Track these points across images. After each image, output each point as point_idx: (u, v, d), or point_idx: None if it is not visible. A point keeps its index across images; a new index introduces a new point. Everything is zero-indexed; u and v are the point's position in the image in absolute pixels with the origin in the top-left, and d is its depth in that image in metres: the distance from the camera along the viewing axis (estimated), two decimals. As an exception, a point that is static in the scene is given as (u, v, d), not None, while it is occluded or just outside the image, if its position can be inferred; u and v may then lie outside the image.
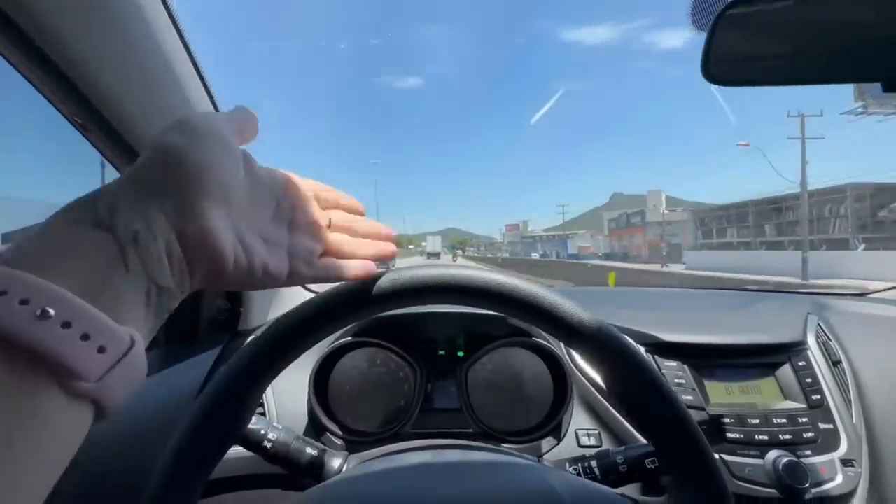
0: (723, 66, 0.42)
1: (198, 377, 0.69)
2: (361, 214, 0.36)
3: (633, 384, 0.36)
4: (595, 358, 0.37)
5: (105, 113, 0.46)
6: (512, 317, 0.38)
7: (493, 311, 0.38)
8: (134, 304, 0.21)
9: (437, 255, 63.50)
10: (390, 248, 0.37)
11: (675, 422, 0.35)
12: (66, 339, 0.17)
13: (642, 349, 0.69)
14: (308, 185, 0.33)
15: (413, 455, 0.46)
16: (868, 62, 0.40)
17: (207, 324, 0.76)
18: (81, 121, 0.46)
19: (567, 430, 0.68)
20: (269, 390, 0.69)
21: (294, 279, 0.30)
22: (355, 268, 0.33)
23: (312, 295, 0.36)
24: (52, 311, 0.17)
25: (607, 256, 51.87)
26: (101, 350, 0.18)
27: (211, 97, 0.60)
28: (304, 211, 0.32)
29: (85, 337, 0.18)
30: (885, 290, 1.13)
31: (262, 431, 0.51)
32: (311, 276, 0.32)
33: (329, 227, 0.34)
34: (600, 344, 0.36)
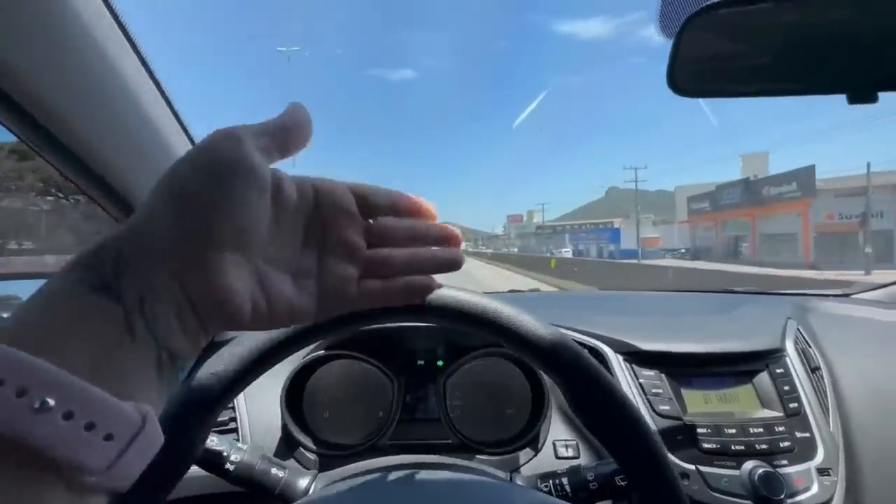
0: (689, 77, 0.41)
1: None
2: (428, 217, 0.28)
3: (593, 402, 0.35)
4: (555, 375, 0.36)
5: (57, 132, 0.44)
6: (475, 333, 0.38)
7: (455, 328, 0.38)
8: (143, 374, 0.20)
9: None
10: (455, 255, 0.28)
11: (637, 442, 0.34)
12: (68, 431, 0.16)
13: (621, 358, 0.68)
14: (349, 191, 0.26)
15: (380, 478, 0.46)
16: (833, 74, 0.39)
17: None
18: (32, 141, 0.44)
19: (545, 441, 0.68)
20: (241, 405, 0.68)
21: (326, 313, 0.26)
22: (404, 290, 0.27)
23: None
24: (51, 402, 0.15)
25: (692, 254, 34.58)
26: (109, 438, 0.17)
27: (182, 124, 0.60)
28: (337, 228, 0.26)
29: (90, 426, 0.16)
30: (867, 290, 1.13)
31: (225, 453, 0.50)
32: (349, 308, 0.26)
33: (371, 240, 0.27)
34: (559, 361, 0.35)
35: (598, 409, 0.36)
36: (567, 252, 46.53)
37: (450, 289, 0.37)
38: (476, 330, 0.37)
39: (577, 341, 0.37)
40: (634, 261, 27.30)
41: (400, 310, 0.35)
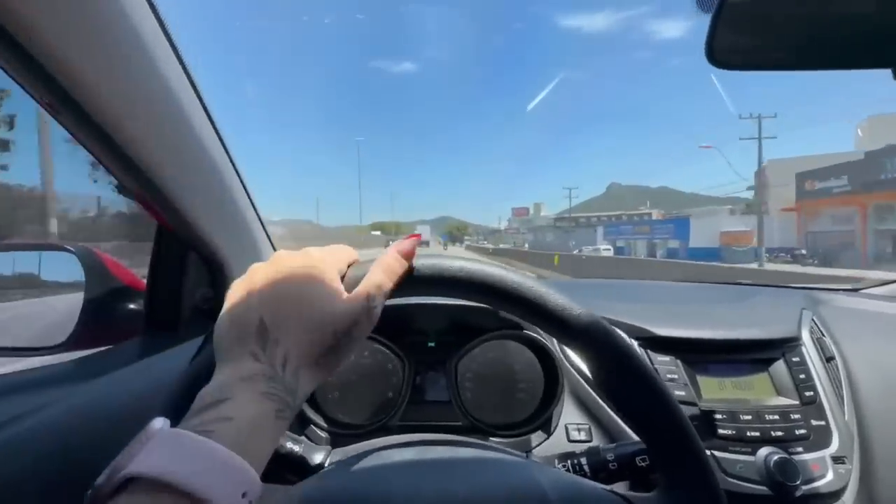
0: (727, 50, 0.40)
1: (180, 366, 0.67)
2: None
3: (624, 380, 0.35)
4: (585, 352, 0.35)
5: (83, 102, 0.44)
6: (499, 309, 0.37)
7: (479, 302, 0.37)
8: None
9: (426, 244, 66.04)
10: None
11: (668, 420, 0.34)
12: None
13: (636, 343, 0.68)
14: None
15: (397, 451, 0.45)
16: (878, 48, 0.38)
17: (190, 312, 0.74)
18: (49, 101, 0.43)
19: (557, 425, 0.67)
20: None
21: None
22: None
23: None
24: (252, 499, 0.24)
25: (821, 257, 21.61)
26: (247, 499, 0.24)
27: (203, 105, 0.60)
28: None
29: (246, 497, 0.23)
30: (877, 285, 1.12)
31: None
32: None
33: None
34: (591, 338, 0.34)
35: (628, 388, 0.35)
36: (607, 250, 35.40)
37: (475, 263, 0.36)
38: (503, 306, 0.36)
39: None
40: (714, 263, 17.10)
41: (425, 281, 0.35)
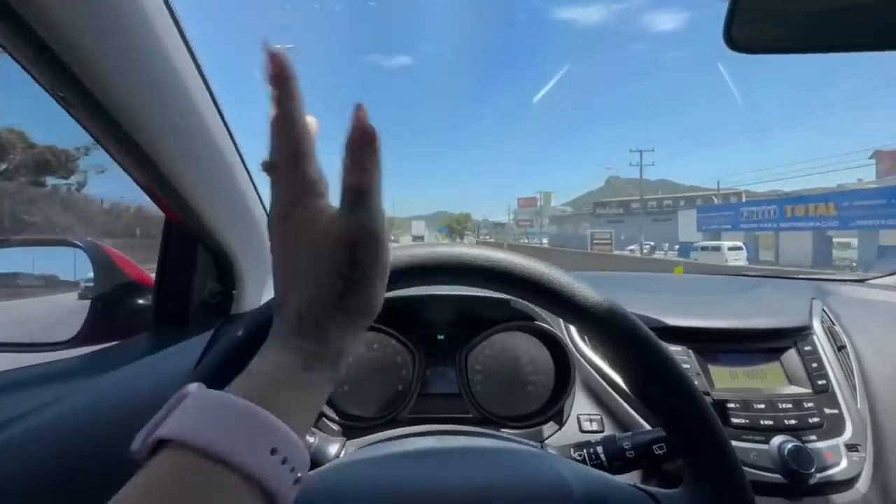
0: (747, 32, 0.39)
1: (189, 361, 0.67)
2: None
3: (648, 372, 0.34)
4: (606, 341, 0.35)
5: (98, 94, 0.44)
6: (518, 297, 0.37)
7: (501, 292, 0.37)
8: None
9: (421, 238, 66.68)
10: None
11: (692, 412, 0.34)
12: (285, 475, 0.22)
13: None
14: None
15: (414, 440, 0.45)
16: (899, 29, 0.38)
17: (199, 307, 0.74)
18: (63, 95, 0.43)
19: (569, 416, 0.67)
20: None
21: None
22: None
23: None
24: (288, 458, 0.22)
25: None
26: (296, 479, 0.23)
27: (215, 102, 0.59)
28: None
29: (293, 470, 0.22)
30: (884, 276, 1.12)
31: None
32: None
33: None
34: (612, 327, 0.34)
35: (651, 377, 0.35)
36: (738, 252, 20.23)
37: (500, 252, 0.36)
38: (529, 297, 0.36)
39: None
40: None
41: (454, 271, 0.35)
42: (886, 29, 0.38)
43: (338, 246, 0.26)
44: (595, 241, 30.87)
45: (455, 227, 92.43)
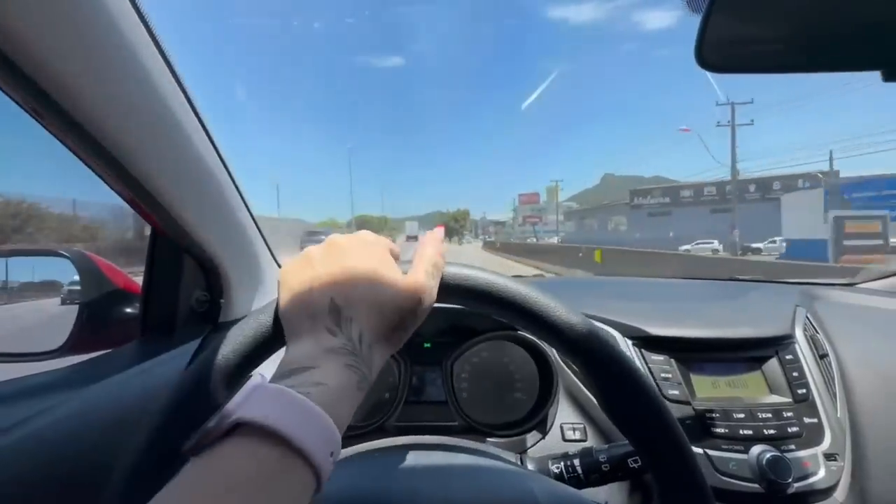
0: (718, 52, 0.40)
1: (177, 369, 0.68)
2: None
3: (619, 391, 0.35)
4: (580, 363, 0.35)
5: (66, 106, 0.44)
6: (497, 317, 0.37)
7: (478, 310, 0.37)
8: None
9: (415, 238, 65.51)
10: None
11: (666, 440, 0.34)
12: (331, 466, 0.25)
13: (630, 343, 0.68)
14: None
15: (393, 455, 0.45)
16: (868, 50, 0.38)
17: (187, 315, 0.74)
18: (33, 106, 0.43)
19: (552, 425, 0.68)
20: None
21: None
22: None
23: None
24: (337, 457, 0.25)
25: None
26: (333, 459, 0.25)
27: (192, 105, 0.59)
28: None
29: (333, 457, 0.25)
30: (873, 279, 1.12)
31: None
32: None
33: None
34: (586, 349, 0.34)
35: (623, 399, 0.35)
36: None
37: (470, 269, 0.36)
38: (496, 312, 0.36)
39: None
40: None
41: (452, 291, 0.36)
42: (855, 51, 0.38)
43: (408, 293, 0.32)
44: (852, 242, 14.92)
45: (452, 225, 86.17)
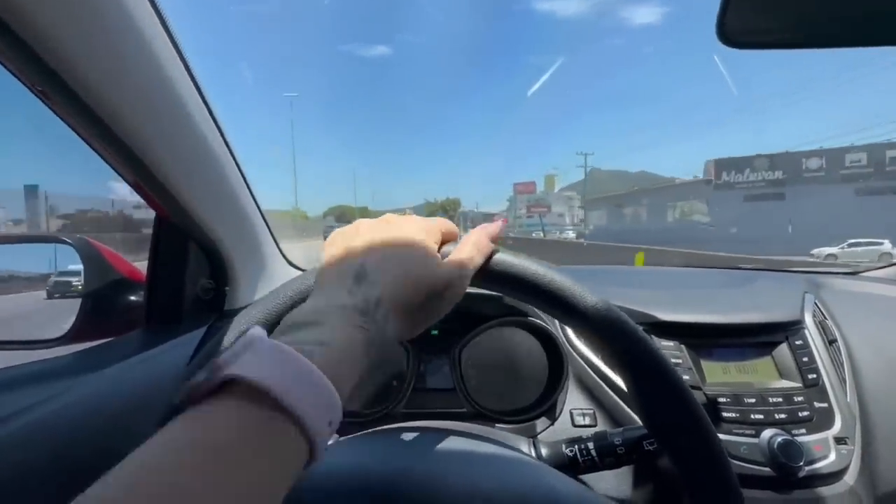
0: (740, 29, 0.39)
1: (182, 358, 0.67)
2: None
3: (650, 382, 0.34)
4: (604, 346, 0.35)
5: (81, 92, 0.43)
6: (514, 298, 0.37)
7: (499, 291, 0.37)
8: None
9: None
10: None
11: (693, 431, 0.33)
12: (328, 435, 0.23)
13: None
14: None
15: (410, 436, 0.45)
16: (893, 24, 0.37)
17: (192, 303, 0.73)
18: (42, 89, 0.42)
19: (562, 410, 0.68)
20: None
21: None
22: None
23: (299, 273, 0.34)
24: (335, 423, 0.24)
25: None
26: (332, 428, 0.24)
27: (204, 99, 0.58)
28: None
29: (332, 426, 0.24)
30: (877, 268, 1.13)
31: None
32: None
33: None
34: (611, 330, 0.34)
35: (654, 390, 0.34)
36: None
37: (505, 255, 0.36)
38: (532, 300, 0.36)
39: None
40: None
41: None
42: (882, 24, 0.37)
43: (438, 276, 0.32)
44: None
45: (441, 216, 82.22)
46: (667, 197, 27.62)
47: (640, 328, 0.35)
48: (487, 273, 0.35)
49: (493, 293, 0.52)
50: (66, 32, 0.37)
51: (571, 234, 34.87)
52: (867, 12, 0.37)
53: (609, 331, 0.34)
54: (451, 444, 0.43)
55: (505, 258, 0.36)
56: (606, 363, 0.67)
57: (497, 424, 0.68)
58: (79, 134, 0.48)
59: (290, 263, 0.94)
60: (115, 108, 0.45)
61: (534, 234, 35.32)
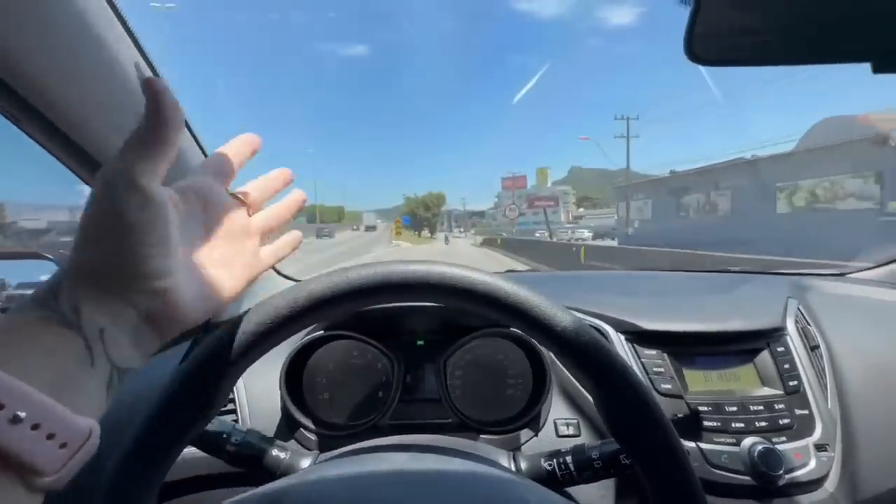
0: (707, 45, 0.39)
1: (165, 372, 0.67)
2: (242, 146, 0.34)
3: (618, 400, 0.34)
4: (581, 372, 0.35)
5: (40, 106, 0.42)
6: (490, 317, 0.36)
7: (472, 310, 0.37)
8: (95, 392, 0.23)
9: (373, 228, 66.48)
10: (297, 196, 0.37)
11: (651, 433, 0.34)
12: (34, 440, 0.19)
13: (623, 338, 0.68)
14: (217, 183, 0.32)
15: (382, 457, 0.45)
16: (857, 42, 0.37)
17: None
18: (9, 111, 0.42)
19: (546, 421, 0.68)
20: (240, 387, 0.67)
21: (244, 286, 0.32)
22: (284, 246, 0.36)
23: (290, 284, 0.34)
24: (23, 415, 0.18)
25: None
26: (63, 446, 0.20)
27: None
28: (228, 216, 0.32)
29: (50, 436, 0.19)
30: (864, 269, 1.13)
31: (225, 434, 0.49)
32: (259, 273, 0.33)
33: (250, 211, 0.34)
34: (588, 358, 0.34)
35: (623, 409, 0.34)
36: None
37: (461, 268, 0.35)
38: (489, 313, 0.35)
39: None
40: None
41: (405, 289, 0.34)
42: (845, 42, 0.38)
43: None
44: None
45: (422, 214, 65.22)
46: (772, 174, 14.20)
47: (593, 329, 0.35)
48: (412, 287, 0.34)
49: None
50: (23, 48, 0.37)
51: (586, 234, 31.59)
52: (830, 30, 0.38)
53: (563, 336, 0.34)
54: (426, 463, 0.43)
55: (456, 271, 0.35)
56: (568, 371, 0.67)
57: (481, 436, 0.68)
58: (51, 152, 0.48)
59: (280, 273, 0.94)
60: (82, 124, 0.44)
61: (537, 235, 30.94)
